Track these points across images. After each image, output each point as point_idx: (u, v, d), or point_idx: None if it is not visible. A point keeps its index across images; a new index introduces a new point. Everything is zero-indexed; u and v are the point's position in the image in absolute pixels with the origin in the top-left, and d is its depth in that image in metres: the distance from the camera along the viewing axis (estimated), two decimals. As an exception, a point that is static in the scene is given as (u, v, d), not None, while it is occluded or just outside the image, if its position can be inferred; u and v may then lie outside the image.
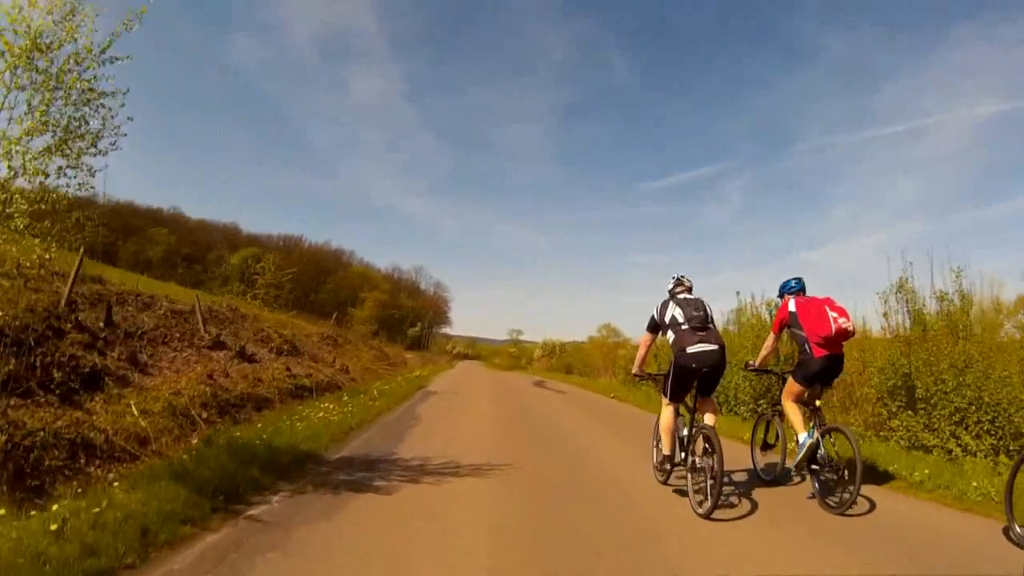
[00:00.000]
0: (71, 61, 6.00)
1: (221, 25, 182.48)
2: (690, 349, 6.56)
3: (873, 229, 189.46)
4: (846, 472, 6.36)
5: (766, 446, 8.08)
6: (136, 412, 8.50)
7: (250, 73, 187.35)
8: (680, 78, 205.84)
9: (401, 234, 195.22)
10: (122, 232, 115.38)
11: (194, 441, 8.61)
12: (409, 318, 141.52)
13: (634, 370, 8.14)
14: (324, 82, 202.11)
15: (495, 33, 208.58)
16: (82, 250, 10.85)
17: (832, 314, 6.66)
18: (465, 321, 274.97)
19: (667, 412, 7.04)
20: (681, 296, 7.08)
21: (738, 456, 8.60)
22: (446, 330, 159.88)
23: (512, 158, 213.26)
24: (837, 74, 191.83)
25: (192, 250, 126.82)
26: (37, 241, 5.98)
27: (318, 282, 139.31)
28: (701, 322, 6.68)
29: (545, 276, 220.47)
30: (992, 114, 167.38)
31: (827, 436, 6.76)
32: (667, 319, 6.96)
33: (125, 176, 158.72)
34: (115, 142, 6.43)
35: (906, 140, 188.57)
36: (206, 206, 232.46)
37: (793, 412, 7.08)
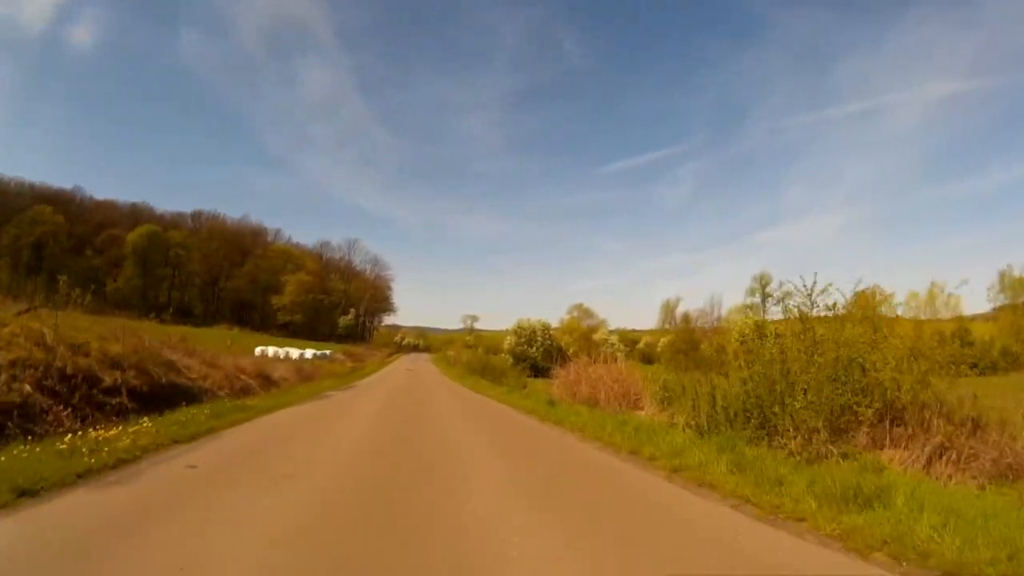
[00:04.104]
0: None
1: (169, 21, 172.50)
2: None
3: (830, 209, 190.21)
4: None
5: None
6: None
7: (198, 67, 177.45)
8: (633, 60, 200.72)
9: (351, 226, 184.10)
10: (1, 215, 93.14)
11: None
12: (341, 304, 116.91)
13: None
14: (273, 76, 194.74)
15: (446, 22, 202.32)
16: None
17: None
18: (415, 311, 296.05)
19: None
20: None
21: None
22: (392, 320, 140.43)
23: (466, 147, 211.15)
24: (792, 54, 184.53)
25: (85, 230, 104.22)
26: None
27: (232, 264, 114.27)
28: None
29: (500, 264, 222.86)
30: (948, 94, 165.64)
31: None
32: None
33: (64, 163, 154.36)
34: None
35: (862, 120, 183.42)
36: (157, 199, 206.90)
37: None
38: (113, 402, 13.11)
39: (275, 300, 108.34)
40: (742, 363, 11.61)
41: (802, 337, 10.55)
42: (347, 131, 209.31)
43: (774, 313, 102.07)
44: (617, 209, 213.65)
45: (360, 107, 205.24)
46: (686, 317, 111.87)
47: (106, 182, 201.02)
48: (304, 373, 28.94)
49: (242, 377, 20.89)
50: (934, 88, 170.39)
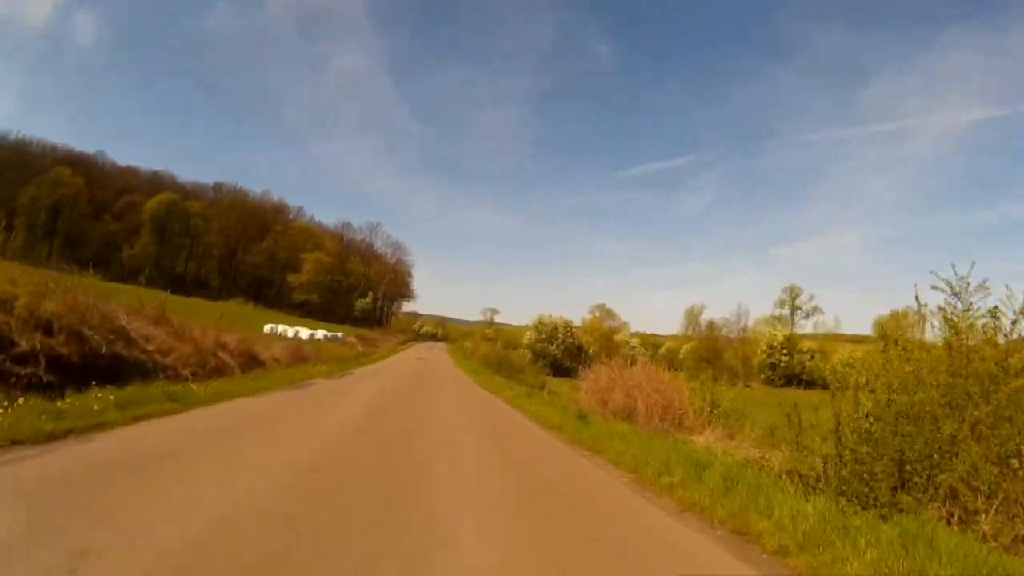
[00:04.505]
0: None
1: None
2: None
3: (848, 227, 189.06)
4: None
5: None
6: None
7: (227, 42, 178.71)
8: (660, 67, 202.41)
9: (371, 211, 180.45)
10: (20, 172, 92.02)
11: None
12: (360, 287, 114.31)
13: None
14: (302, 54, 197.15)
15: (478, 15, 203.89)
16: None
17: None
18: (434, 300, 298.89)
19: None
20: None
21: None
22: (412, 307, 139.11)
23: (488, 141, 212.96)
24: (820, 72, 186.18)
25: (105, 195, 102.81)
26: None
27: (250, 238, 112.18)
28: None
29: (515, 260, 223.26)
30: (976, 120, 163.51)
31: None
32: None
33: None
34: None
35: (888, 141, 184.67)
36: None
37: None
38: (23, 372, 10.27)
39: (291, 278, 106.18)
40: (856, 381, 8.28)
41: (955, 354, 7.23)
42: (372, 115, 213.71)
43: (803, 326, 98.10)
44: (634, 213, 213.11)
45: (385, 93, 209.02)
46: (711, 325, 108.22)
47: (129, 149, 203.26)
48: (301, 355, 26.01)
49: (220, 355, 17.97)
50: (962, 113, 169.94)
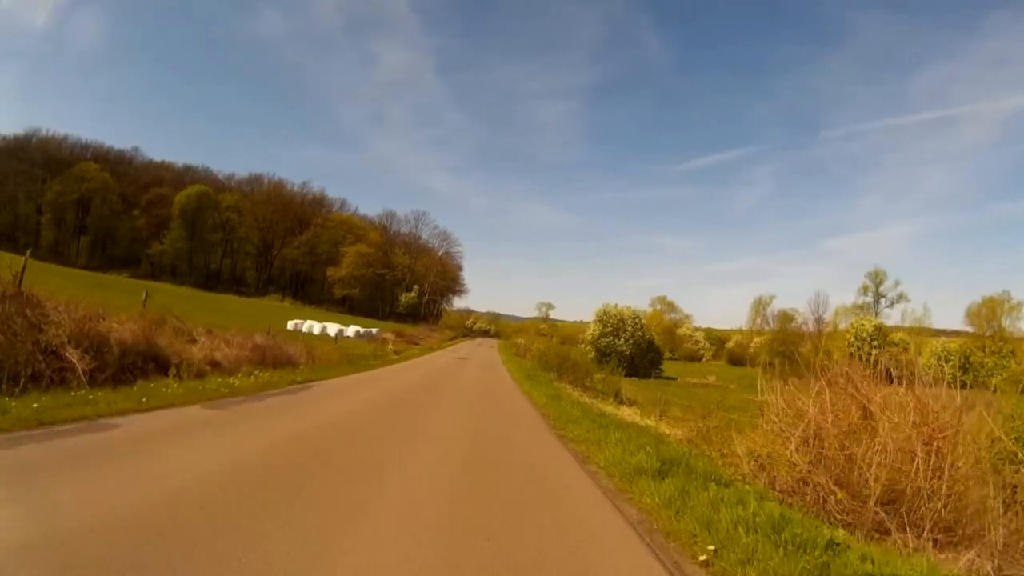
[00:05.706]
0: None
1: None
2: None
3: (903, 220, 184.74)
4: None
5: None
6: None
7: (276, 44, 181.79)
8: (711, 59, 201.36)
9: (424, 208, 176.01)
10: (48, 169, 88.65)
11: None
12: (405, 280, 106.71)
13: None
14: (351, 54, 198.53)
15: (527, 9, 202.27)
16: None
17: None
18: (488, 296, 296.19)
19: None
20: None
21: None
22: (465, 303, 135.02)
23: (539, 136, 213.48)
24: (870, 61, 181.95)
25: (135, 189, 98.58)
26: None
27: (288, 231, 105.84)
28: None
29: (568, 255, 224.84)
30: None
31: None
32: None
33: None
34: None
35: (939, 130, 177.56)
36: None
37: None
38: None
39: (330, 272, 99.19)
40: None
41: None
42: (422, 112, 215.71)
43: (888, 316, 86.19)
44: (690, 208, 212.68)
45: (436, 89, 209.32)
46: (783, 316, 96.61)
47: (166, 145, 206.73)
48: (273, 355, 17.90)
49: (66, 354, 10.01)
50: (1013, 98, 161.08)
